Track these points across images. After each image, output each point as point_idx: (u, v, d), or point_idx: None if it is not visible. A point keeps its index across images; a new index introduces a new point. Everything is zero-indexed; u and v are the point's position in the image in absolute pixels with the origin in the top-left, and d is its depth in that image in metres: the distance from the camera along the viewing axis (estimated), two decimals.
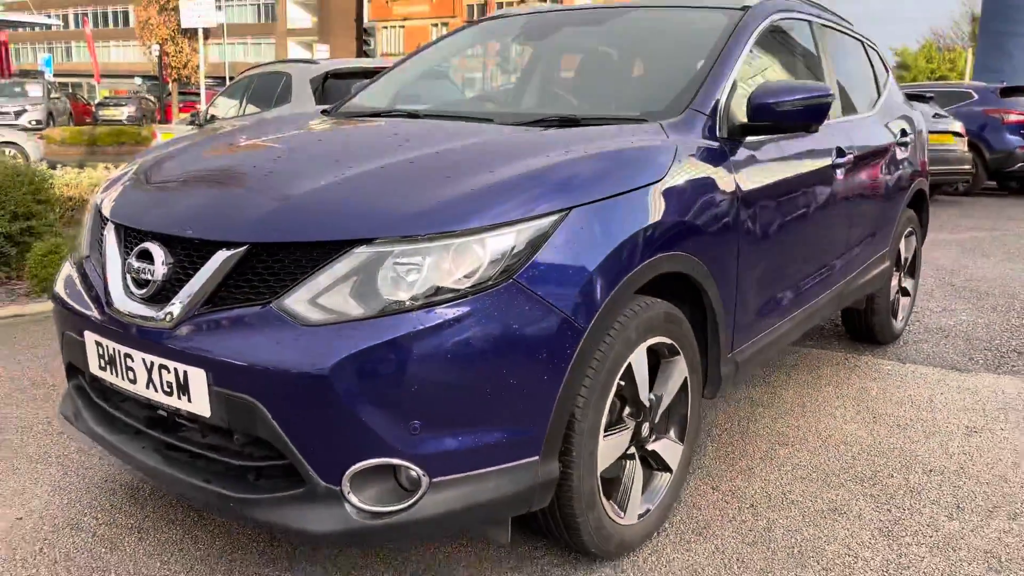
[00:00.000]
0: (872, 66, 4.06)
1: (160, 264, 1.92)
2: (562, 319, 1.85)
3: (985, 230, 8.62)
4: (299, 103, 6.47)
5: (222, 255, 1.83)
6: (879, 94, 4.00)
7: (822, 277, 3.18)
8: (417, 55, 3.56)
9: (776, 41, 3.16)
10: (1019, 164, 11.72)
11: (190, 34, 28.00)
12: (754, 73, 2.89)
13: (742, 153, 2.55)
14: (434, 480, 1.77)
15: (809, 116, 2.55)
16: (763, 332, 2.78)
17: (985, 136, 11.75)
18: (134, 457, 2.05)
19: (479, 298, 1.77)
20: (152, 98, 36.42)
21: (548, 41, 3.45)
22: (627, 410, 2.18)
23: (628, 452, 2.21)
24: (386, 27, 57.59)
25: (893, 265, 4.05)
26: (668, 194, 2.17)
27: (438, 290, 1.75)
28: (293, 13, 66.72)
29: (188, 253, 1.91)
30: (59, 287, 2.29)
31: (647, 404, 2.22)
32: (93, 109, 30.49)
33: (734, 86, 2.63)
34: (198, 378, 1.81)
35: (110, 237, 2.11)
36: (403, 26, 59.33)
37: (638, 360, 2.13)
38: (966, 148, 10.89)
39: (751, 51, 2.86)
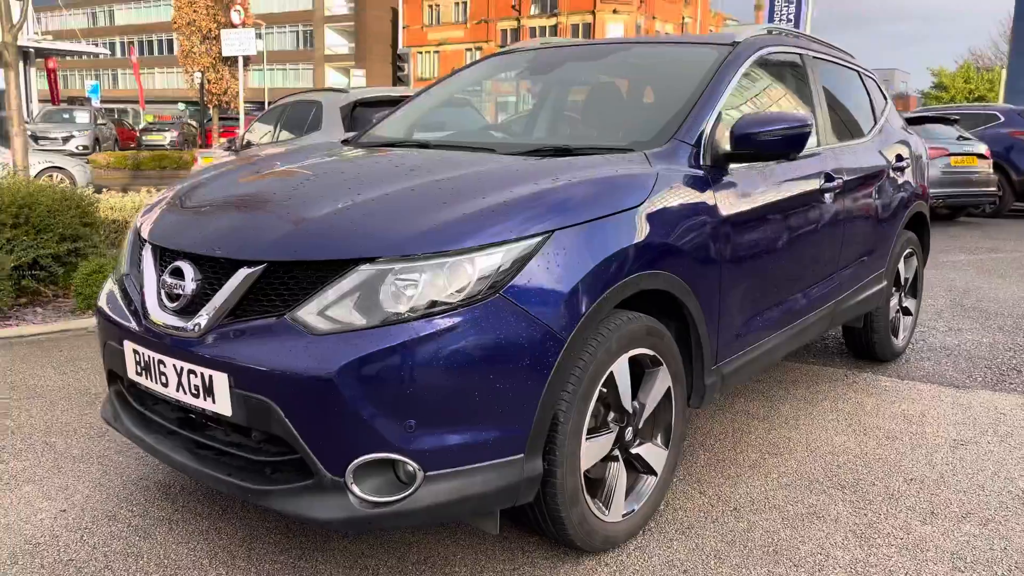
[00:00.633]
0: (869, 95, 4.23)
1: (190, 280, 2.17)
2: (544, 330, 2.06)
3: (1005, 251, 8.65)
4: (329, 130, 6.79)
5: (243, 272, 2.07)
6: (875, 121, 4.17)
7: (811, 296, 3.35)
8: (433, 88, 3.82)
9: (766, 74, 3.37)
10: None
11: (230, 62, 28.79)
12: (741, 104, 3.10)
13: (725, 180, 2.75)
14: (428, 474, 1.98)
15: (788, 145, 2.74)
16: (749, 347, 2.95)
17: (1011, 158, 11.77)
18: (167, 454, 2.29)
19: (469, 310, 1.98)
20: (194, 123, 37.50)
21: (552, 75, 3.69)
22: (611, 415, 2.38)
23: (612, 454, 2.40)
24: (421, 52, 58.60)
25: (891, 285, 4.19)
26: (648, 218, 2.37)
27: (433, 303, 1.97)
28: (331, 39, 68.26)
29: (214, 270, 2.16)
30: (102, 301, 2.55)
31: (630, 410, 2.41)
32: (137, 134, 31.50)
33: (719, 117, 2.83)
34: (221, 381, 2.05)
35: (147, 256, 2.37)
36: (438, 51, 60.33)
37: (620, 369, 2.32)
38: (991, 170, 10.92)
39: (741, 83, 3.07)
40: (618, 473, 2.42)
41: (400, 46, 43.93)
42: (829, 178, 3.36)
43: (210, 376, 2.07)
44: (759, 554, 2.44)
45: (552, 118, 3.53)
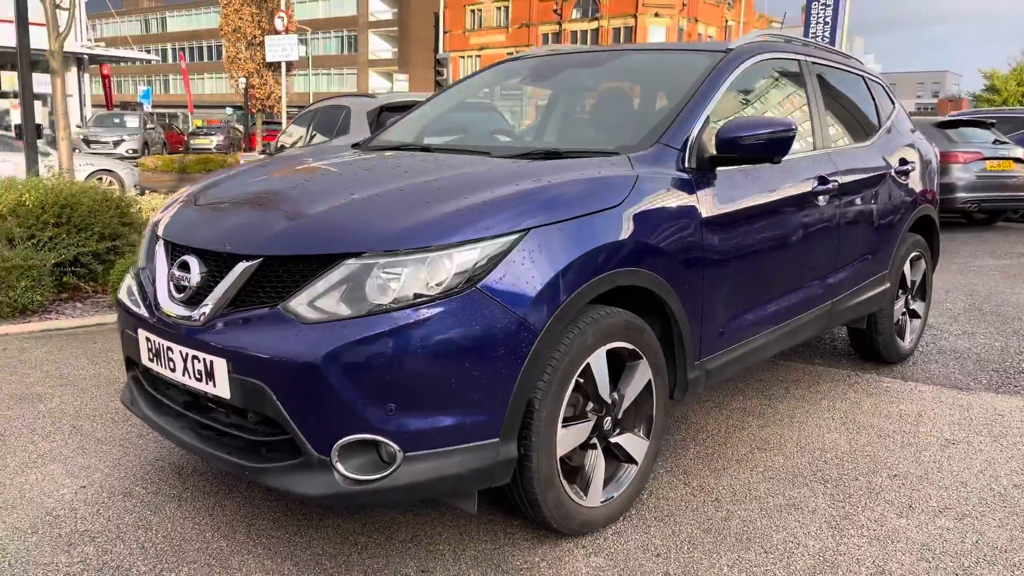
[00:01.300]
0: (874, 100, 4.28)
1: (196, 273, 2.35)
2: (519, 322, 2.20)
3: None
4: (357, 132, 7.01)
5: (242, 265, 2.25)
6: (880, 125, 4.22)
7: (803, 296, 3.43)
8: (441, 95, 3.98)
9: (761, 80, 3.46)
10: None
11: (274, 67, 29.43)
12: (734, 109, 3.20)
13: (710, 182, 2.85)
14: (408, 454, 2.13)
15: (772, 148, 2.83)
16: (735, 343, 3.04)
17: None
18: (176, 435, 2.47)
19: (447, 302, 2.13)
20: (240, 128, 38.36)
21: (552, 81, 3.82)
22: (589, 405, 2.50)
23: (591, 442, 2.52)
24: (463, 57, 59.06)
25: (896, 287, 4.24)
26: (625, 218, 2.49)
27: (415, 296, 2.12)
28: (374, 44, 69.23)
29: (217, 264, 2.34)
30: (122, 294, 2.76)
31: (609, 401, 2.54)
32: (185, 138, 32.38)
33: (707, 122, 2.93)
34: (221, 366, 2.22)
35: (160, 251, 2.57)
36: (479, 56, 60.71)
37: (597, 361, 2.45)
38: None
39: (734, 89, 3.17)
40: (596, 461, 2.55)
41: (440, 51, 44.37)
42: (823, 180, 3.44)
43: (211, 361, 2.24)
44: (732, 541, 2.54)
45: (550, 123, 3.67)
